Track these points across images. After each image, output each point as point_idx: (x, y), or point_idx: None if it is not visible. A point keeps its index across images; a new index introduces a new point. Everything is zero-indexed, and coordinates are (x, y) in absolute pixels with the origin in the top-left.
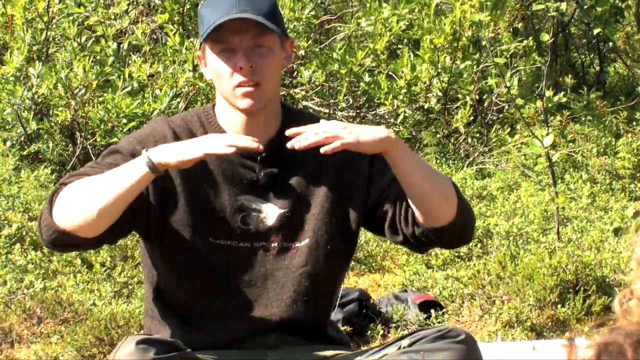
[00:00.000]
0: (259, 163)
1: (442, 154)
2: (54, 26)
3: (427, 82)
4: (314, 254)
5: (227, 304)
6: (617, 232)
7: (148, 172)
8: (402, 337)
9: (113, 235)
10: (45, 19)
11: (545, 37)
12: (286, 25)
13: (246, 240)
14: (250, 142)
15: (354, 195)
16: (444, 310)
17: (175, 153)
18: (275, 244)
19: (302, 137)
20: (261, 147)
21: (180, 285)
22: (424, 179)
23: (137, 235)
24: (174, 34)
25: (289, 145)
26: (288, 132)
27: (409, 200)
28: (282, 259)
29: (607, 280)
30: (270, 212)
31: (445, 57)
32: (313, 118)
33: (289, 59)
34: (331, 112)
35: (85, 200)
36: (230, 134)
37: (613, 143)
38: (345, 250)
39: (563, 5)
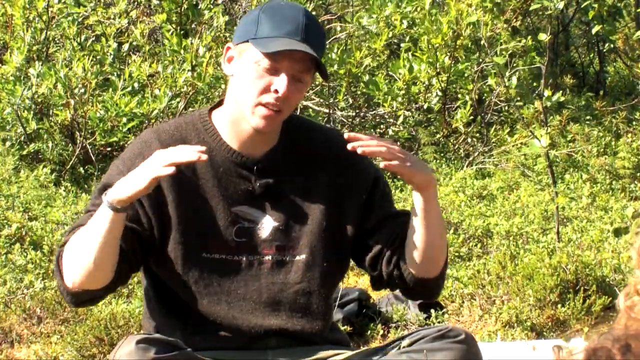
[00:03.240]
0: (255, 173)
1: (442, 154)
2: (54, 26)
3: (426, 82)
4: (310, 271)
5: (224, 315)
6: (617, 232)
7: (114, 214)
8: (402, 337)
9: (130, 271)
10: (45, 18)
11: (543, 37)
12: None
13: (240, 254)
14: (192, 155)
15: (350, 215)
16: (444, 310)
17: (127, 188)
18: (269, 257)
19: (365, 143)
20: (205, 157)
21: (177, 294)
22: (438, 226)
23: None
24: (172, 35)
25: (349, 146)
26: (347, 135)
27: (412, 245)
28: (276, 273)
29: (607, 280)
30: (265, 224)
31: (444, 57)
32: (313, 126)
33: (304, 94)
34: (331, 112)
35: (80, 259)
36: (173, 149)
37: (613, 143)
38: (339, 267)
39: (560, 4)
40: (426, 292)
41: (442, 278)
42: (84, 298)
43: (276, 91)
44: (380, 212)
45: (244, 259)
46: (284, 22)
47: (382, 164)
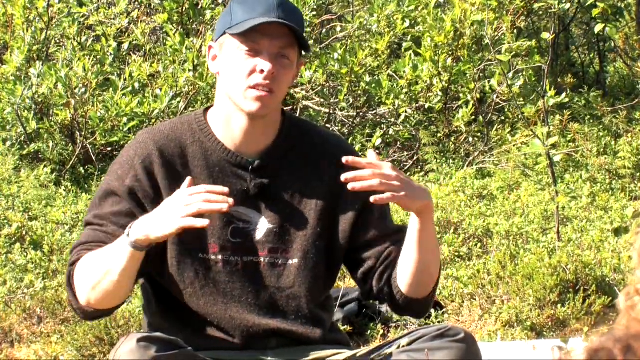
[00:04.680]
0: (251, 173)
1: (442, 153)
2: (54, 26)
3: (428, 82)
4: (301, 276)
5: (222, 316)
6: (617, 232)
7: (134, 251)
8: (401, 336)
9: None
10: (46, 18)
11: (546, 36)
12: None
13: (235, 254)
14: (219, 206)
15: (344, 223)
16: (444, 310)
17: (153, 230)
18: (263, 259)
19: (359, 175)
20: (231, 201)
21: (174, 295)
22: (433, 250)
23: None
24: (174, 34)
25: (342, 177)
26: (345, 160)
27: (405, 266)
28: (270, 275)
29: (607, 280)
30: (260, 225)
31: (444, 56)
32: (315, 129)
33: (295, 79)
34: (331, 111)
35: (96, 284)
36: (198, 195)
37: (613, 143)
38: (329, 274)
39: (567, 5)
40: (414, 310)
41: (431, 299)
42: (97, 315)
43: (262, 71)
44: (376, 227)
45: (240, 260)
46: (256, 5)
47: (372, 199)
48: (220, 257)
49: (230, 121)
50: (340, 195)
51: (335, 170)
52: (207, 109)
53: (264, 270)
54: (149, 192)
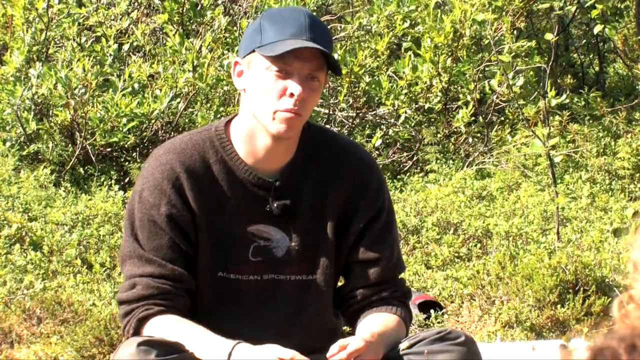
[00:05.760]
0: (272, 193)
1: (442, 154)
2: (54, 26)
3: (428, 82)
4: (322, 292)
5: (236, 333)
6: (616, 232)
7: None
8: (402, 339)
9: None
10: (45, 19)
11: (549, 37)
12: None
13: (256, 273)
14: None
15: (351, 237)
16: (444, 310)
17: None
18: (284, 277)
19: None
20: None
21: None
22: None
23: None
24: (174, 35)
25: None
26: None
27: None
28: (292, 293)
29: (607, 280)
30: (281, 243)
31: (444, 56)
32: (336, 140)
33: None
34: (331, 112)
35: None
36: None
37: (612, 143)
38: (335, 286)
39: (572, 8)
40: None
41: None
42: None
43: (292, 95)
44: (368, 250)
45: (259, 278)
46: (287, 25)
47: None
48: (239, 276)
49: (254, 139)
50: (353, 210)
51: (352, 183)
52: (228, 121)
53: (286, 288)
54: (186, 216)
